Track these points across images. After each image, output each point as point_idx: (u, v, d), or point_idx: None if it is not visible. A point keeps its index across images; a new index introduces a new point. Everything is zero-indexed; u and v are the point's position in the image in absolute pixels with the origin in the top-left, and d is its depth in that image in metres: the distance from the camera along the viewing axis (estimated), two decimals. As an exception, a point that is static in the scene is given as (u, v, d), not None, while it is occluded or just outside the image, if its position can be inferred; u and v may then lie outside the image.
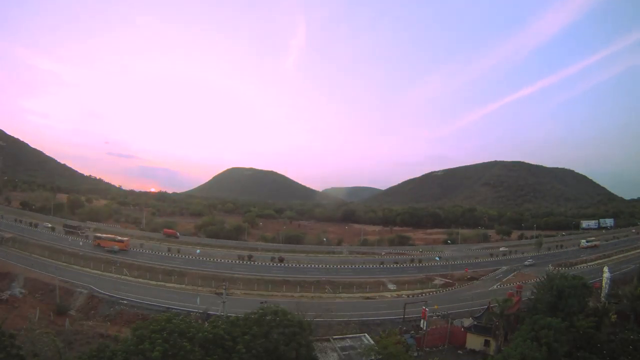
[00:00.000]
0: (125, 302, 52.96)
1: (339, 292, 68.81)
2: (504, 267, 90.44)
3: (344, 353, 37.32)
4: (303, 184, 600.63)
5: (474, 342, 43.84)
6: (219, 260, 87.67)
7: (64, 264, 69.57)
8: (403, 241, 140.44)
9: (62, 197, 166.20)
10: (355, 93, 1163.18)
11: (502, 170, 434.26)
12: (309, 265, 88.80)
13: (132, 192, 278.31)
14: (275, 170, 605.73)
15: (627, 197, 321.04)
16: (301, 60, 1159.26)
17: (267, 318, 29.47)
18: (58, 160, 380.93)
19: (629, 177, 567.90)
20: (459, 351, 43.54)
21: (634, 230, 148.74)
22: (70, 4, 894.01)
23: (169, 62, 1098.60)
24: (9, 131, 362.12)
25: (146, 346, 23.03)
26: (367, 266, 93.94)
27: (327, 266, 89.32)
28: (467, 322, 47.19)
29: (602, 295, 52.21)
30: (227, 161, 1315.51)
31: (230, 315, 36.62)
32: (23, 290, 54.56)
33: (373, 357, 34.97)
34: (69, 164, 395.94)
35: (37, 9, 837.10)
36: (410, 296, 67.39)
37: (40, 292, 55.28)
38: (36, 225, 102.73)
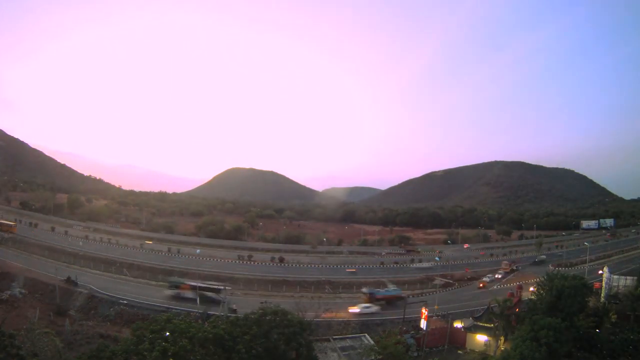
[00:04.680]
0: (125, 302, 52.91)
1: (339, 292, 68.76)
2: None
3: (344, 353, 37.28)
4: (303, 184, 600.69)
5: (474, 342, 43.78)
6: (219, 260, 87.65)
7: (64, 264, 69.55)
8: (403, 241, 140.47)
9: (62, 197, 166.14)
10: (354, 92, 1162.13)
11: (502, 170, 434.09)
12: (309, 266, 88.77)
13: (132, 192, 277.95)
14: (275, 170, 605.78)
15: (627, 197, 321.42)
16: (300, 60, 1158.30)
17: (267, 318, 29.45)
18: (58, 160, 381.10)
19: (629, 177, 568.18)
20: (459, 351, 43.47)
21: (633, 230, 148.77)
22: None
23: (167, 62, 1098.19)
24: (9, 131, 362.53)
25: (146, 346, 23.01)
26: (367, 266, 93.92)
27: (327, 266, 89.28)
28: (467, 322, 47.14)
29: (602, 295, 52.20)
30: (227, 161, 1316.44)
31: (230, 315, 36.63)
32: (23, 290, 54.41)
33: (373, 357, 34.90)
34: (69, 164, 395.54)
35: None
36: (410, 296, 67.35)
37: (40, 292, 55.21)
38: (36, 225, 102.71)
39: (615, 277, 55.50)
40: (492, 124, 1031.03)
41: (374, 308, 54.83)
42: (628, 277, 54.32)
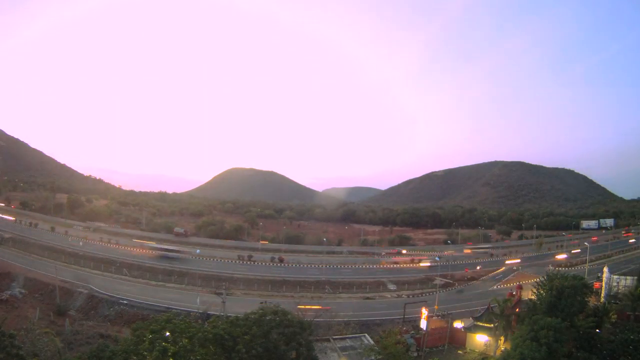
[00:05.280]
0: (125, 302, 52.95)
1: (339, 292, 68.76)
2: (504, 268, 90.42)
3: (344, 353, 37.26)
4: (303, 184, 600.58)
5: (474, 342, 43.78)
6: (219, 260, 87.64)
7: (64, 264, 69.58)
8: (403, 241, 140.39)
9: (62, 197, 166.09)
10: (356, 94, 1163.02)
11: (502, 170, 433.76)
12: (309, 266, 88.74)
13: (132, 192, 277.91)
14: (275, 170, 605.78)
15: (627, 197, 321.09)
16: (298, 61, 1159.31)
17: (267, 318, 29.44)
18: (58, 160, 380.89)
19: (629, 177, 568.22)
20: (459, 351, 43.48)
21: (633, 230, 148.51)
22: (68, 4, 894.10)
23: (167, 62, 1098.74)
24: (9, 131, 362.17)
25: (146, 346, 22.99)
26: (367, 266, 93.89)
27: (327, 266, 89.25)
28: (467, 322, 47.14)
29: (602, 295, 52.22)
30: (227, 161, 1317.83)
31: (230, 315, 36.60)
32: (23, 290, 54.54)
33: (373, 357, 34.90)
34: (69, 164, 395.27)
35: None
36: (410, 296, 67.35)
37: (40, 292, 55.27)
38: (36, 225, 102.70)
39: (615, 277, 55.51)
40: (492, 123, 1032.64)
41: None
42: (628, 277, 54.30)
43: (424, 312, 45.38)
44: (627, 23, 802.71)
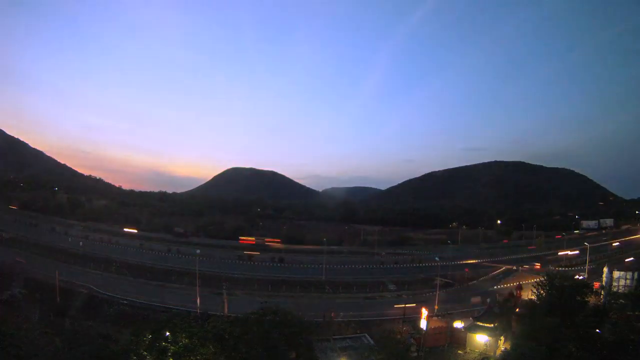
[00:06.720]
0: (125, 302, 52.98)
1: (339, 292, 68.82)
2: (504, 268, 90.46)
3: (344, 353, 37.30)
4: (303, 184, 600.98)
5: (474, 342, 43.79)
6: (219, 260, 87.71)
7: (64, 264, 69.62)
8: (403, 241, 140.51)
9: (62, 197, 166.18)
10: (355, 93, 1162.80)
11: (502, 170, 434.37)
12: (309, 266, 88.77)
13: (132, 192, 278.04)
14: (275, 170, 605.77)
15: (627, 197, 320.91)
16: (298, 61, 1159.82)
17: (267, 318, 29.49)
18: (58, 160, 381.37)
19: (629, 177, 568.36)
20: (459, 351, 43.49)
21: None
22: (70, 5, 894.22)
23: (169, 58, 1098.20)
24: (9, 131, 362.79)
25: (145, 346, 23.01)
26: (367, 266, 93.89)
27: (327, 266, 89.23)
28: (467, 322, 47.16)
29: (602, 294, 52.27)
30: (227, 161, 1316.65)
31: (231, 315, 36.67)
32: (23, 290, 54.53)
33: (373, 357, 34.94)
34: (69, 164, 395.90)
35: (36, 9, 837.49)
36: (410, 296, 67.38)
37: (40, 292, 55.27)
38: (36, 225, 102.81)
39: (616, 276, 55.55)
40: (492, 123, 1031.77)
41: None
42: (628, 277, 54.34)
43: (424, 312, 45.44)
44: (622, 8, 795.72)
